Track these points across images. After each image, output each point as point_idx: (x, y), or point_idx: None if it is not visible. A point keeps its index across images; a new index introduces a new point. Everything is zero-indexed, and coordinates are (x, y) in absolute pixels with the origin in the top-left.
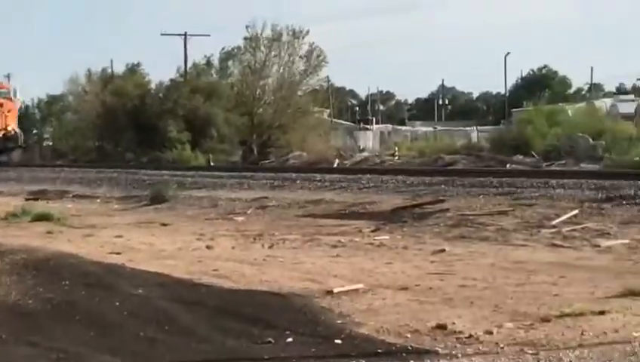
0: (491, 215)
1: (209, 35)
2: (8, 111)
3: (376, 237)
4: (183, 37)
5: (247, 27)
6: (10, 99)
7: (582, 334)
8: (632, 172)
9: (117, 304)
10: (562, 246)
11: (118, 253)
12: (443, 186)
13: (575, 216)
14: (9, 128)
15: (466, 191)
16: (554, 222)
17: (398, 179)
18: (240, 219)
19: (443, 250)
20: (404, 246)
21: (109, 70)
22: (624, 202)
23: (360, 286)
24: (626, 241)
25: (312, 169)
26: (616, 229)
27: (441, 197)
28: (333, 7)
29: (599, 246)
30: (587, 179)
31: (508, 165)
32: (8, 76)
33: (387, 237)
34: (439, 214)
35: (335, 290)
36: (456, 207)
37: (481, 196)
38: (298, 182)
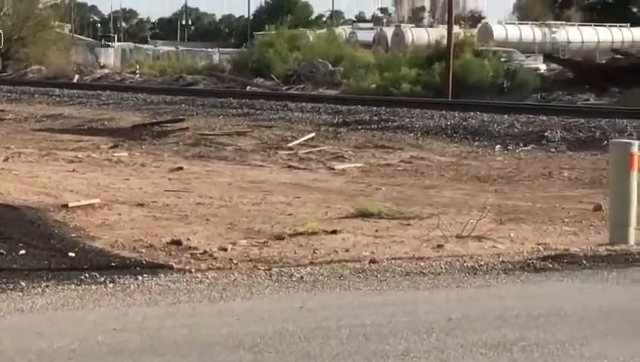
0: (230, 135)
1: None
2: None
3: (114, 154)
4: None
5: None
6: None
7: (314, 252)
8: (368, 98)
9: None
10: (298, 168)
11: None
12: (183, 106)
13: (312, 139)
14: None
15: (206, 111)
16: (291, 144)
17: (138, 96)
18: None
19: (181, 168)
20: (142, 163)
21: None
22: (359, 127)
23: (96, 201)
24: (360, 164)
25: (51, 83)
26: (351, 153)
27: (181, 117)
28: None
29: (334, 168)
30: (325, 103)
31: (248, 87)
32: None
33: (125, 153)
34: (179, 133)
35: (70, 204)
36: (196, 127)
37: (221, 116)
38: (36, 96)
